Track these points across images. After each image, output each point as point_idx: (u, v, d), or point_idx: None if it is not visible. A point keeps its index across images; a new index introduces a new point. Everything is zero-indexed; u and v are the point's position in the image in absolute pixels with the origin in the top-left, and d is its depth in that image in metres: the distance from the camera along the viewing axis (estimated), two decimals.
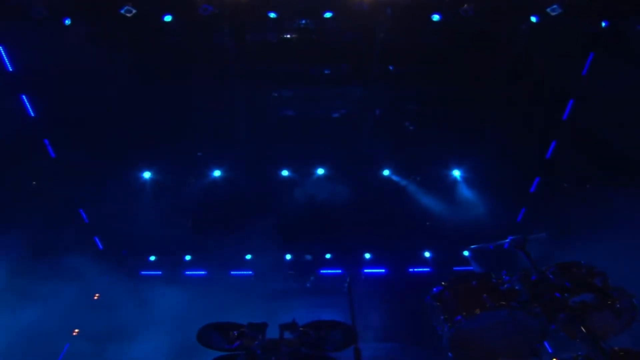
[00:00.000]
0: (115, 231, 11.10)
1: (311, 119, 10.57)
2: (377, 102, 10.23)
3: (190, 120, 10.06)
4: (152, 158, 10.79)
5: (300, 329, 4.42)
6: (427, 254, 12.46)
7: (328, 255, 12.49)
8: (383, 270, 12.53)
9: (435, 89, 9.90)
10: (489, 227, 10.73)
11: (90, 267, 10.75)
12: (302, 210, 11.29)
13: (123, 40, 8.35)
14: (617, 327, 3.64)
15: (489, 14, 8.18)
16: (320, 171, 11.33)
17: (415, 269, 12.44)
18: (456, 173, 11.30)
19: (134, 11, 7.72)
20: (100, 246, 11.54)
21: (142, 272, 11.82)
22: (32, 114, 9.17)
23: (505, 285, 3.77)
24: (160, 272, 11.88)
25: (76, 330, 10.44)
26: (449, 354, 3.90)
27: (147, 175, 10.98)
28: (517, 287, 3.74)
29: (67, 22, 7.89)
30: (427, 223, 11.95)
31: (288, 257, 12.34)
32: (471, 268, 12.06)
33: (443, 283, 4.02)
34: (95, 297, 11.16)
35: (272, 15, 8.15)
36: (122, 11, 7.70)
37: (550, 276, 3.65)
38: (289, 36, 8.99)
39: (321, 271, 12.43)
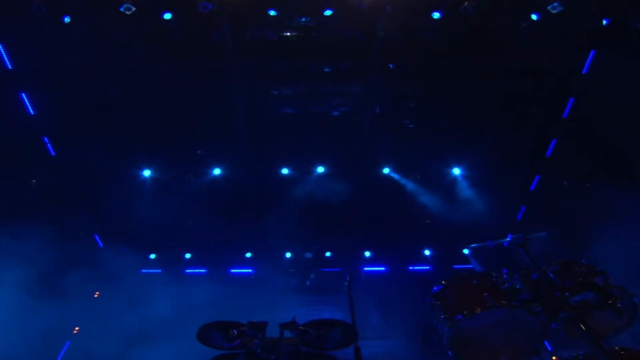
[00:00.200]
0: (115, 229, 11.09)
1: (311, 117, 10.54)
2: (377, 100, 10.20)
3: (190, 118, 10.03)
4: (152, 156, 10.76)
5: (300, 327, 4.41)
6: (427, 252, 12.48)
7: (328, 254, 12.50)
8: (383, 268, 12.54)
9: (435, 87, 9.86)
10: (489, 225, 10.72)
11: (90, 265, 10.79)
12: (302, 208, 11.27)
13: (123, 38, 8.31)
14: (618, 326, 3.63)
15: (490, 12, 8.14)
16: (320, 169, 11.31)
17: (415, 267, 12.46)
18: (456, 171, 11.29)
19: (133, 9, 7.68)
20: (100, 244, 11.53)
21: (143, 270, 11.81)
22: (32, 112, 9.14)
23: (506, 284, 3.76)
24: (160, 270, 11.88)
25: (76, 328, 10.44)
26: (449, 352, 3.89)
27: (147, 173, 10.96)
28: (517, 286, 3.73)
29: (67, 19, 7.85)
30: (427, 221, 11.96)
31: (288, 255, 12.35)
32: (471, 266, 12.14)
33: (443, 282, 4.01)
34: (96, 296, 11.17)
35: (272, 12, 8.11)
36: (122, 9, 7.66)
37: (551, 275, 3.64)
38: (289, 34, 8.96)
39: (321, 269, 12.43)
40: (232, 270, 12.33)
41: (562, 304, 3.45)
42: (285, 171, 11.37)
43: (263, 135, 10.51)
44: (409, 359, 9.55)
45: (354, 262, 12.34)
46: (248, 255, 12.33)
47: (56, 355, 9.87)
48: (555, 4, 7.83)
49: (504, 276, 3.85)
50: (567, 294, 3.49)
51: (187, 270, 12.10)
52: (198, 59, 8.98)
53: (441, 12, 8.13)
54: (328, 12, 8.16)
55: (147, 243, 11.75)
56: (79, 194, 10.41)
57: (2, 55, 8.34)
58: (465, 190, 11.32)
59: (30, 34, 8.10)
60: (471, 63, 9.16)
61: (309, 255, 12.50)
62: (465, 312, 3.66)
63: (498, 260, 10.09)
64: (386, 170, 11.42)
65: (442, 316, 3.82)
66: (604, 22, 8.16)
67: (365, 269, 12.46)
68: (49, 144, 9.71)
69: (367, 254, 12.44)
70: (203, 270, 12.20)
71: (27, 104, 9.09)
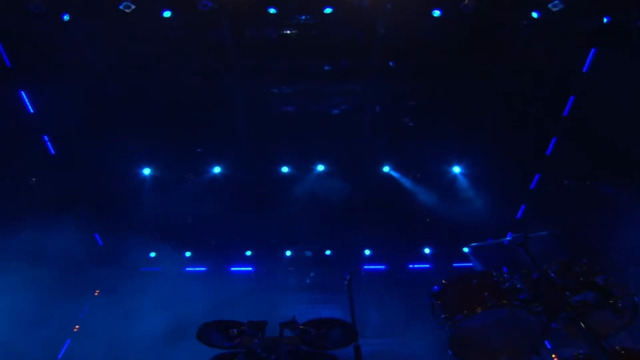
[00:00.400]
0: (115, 227, 11.08)
1: (311, 115, 10.52)
2: (377, 98, 10.18)
3: (189, 116, 10.01)
4: (152, 154, 10.75)
5: (300, 327, 4.41)
6: (427, 251, 12.48)
7: (328, 252, 12.50)
8: (383, 267, 12.54)
9: (436, 85, 9.84)
10: (488, 224, 10.74)
11: (90, 263, 10.80)
12: (302, 206, 11.27)
13: (122, 36, 8.29)
14: (618, 326, 3.62)
15: (490, 10, 8.12)
16: (320, 167, 11.31)
17: (415, 265, 12.46)
18: (456, 169, 11.28)
19: (133, 7, 7.67)
20: (101, 242, 11.53)
21: (143, 269, 11.81)
22: (31, 110, 9.13)
23: (507, 284, 3.75)
24: (160, 269, 11.88)
25: (77, 327, 10.45)
26: (450, 352, 3.89)
27: (147, 171, 10.96)
28: (518, 286, 3.72)
29: (66, 17, 7.84)
30: (427, 219, 11.96)
31: (288, 253, 12.36)
32: (471, 264, 12.14)
33: (444, 281, 4.00)
34: (96, 294, 11.18)
35: (272, 10, 8.09)
36: (121, 7, 7.65)
37: (552, 274, 3.64)
38: (288, 32, 8.94)
39: (321, 267, 12.43)
40: (232, 269, 12.33)
41: (563, 304, 3.45)
42: (285, 169, 11.36)
43: (263, 134, 10.50)
44: (409, 358, 9.54)
45: (354, 261, 12.34)
46: (248, 253, 12.33)
47: (56, 354, 9.87)
48: (556, 1, 7.82)
49: (505, 275, 3.85)
50: (567, 293, 3.48)
51: (187, 269, 12.10)
52: (198, 57, 8.94)
53: (441, 10, 8.12)
54: (328, 11, 8.14)
55: (147, 241, 11.74)
56: (78, 192, 10.39)
57: (2, 53, 8.32)
58: (465, 189, 11.31)
59: (29, 32, 8.08)
60: (471, 61, 9.13)
61: (309, 253, 12.50)
62: (465, 311, 3.66)
63: (498, 259, 10.12)
64: (386, 169, 11.41)
65: (443, 315, 3.81)
66: (605, 20, 8.14)
67: (365, 267, 12.46)
68: (48, 143, 9.69)
69: (367, 252, 12.43)
70: (203, 269, 12.20)
71: (27, 102, 9.07)
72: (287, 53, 9.09)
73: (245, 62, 9.09)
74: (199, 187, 11.17)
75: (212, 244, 12.08)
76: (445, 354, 4.00)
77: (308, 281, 12.25)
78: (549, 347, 6.80)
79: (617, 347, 3.36)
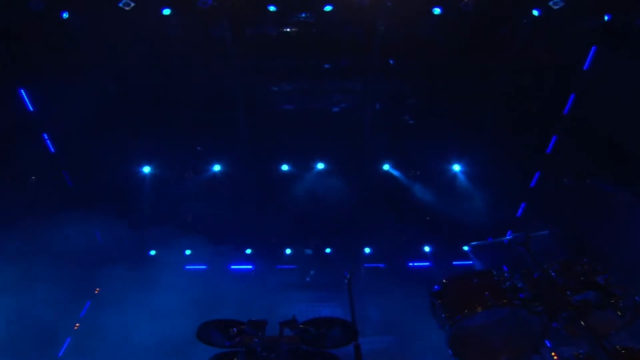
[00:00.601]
0: (116, 225, 11.08)
1: (311, 113, 10.51)
2: (377, 96, 10.17)
3: (189, 114, 10.00)
4: (152, 152, 10.75)
5: (300, 326, 4.41)
6: (426, 249, 12.48)
7: (328, 250, 12.51)
8: (383, 265, 12.54)
9: (436, 83, 9.83)
10: (488, 222, 10.74)
11: (90, 261, 10.80)
12: (302, 204, 11.28)
13: (121, 34, 8.27)
14: (619, 325, 3.61)
15: (490, 8, 8.10)
16: (320, 166, 11.30)
17: (415, 264, 12.46)
18: (456, 167, 11.27)
19: (132, 4, 7.65)
20: (101, 240, 11.52)
21: (143, 267, 11.80)
22: (31, 109, 9.11)
23: (507, 283, 3.74)
24: (160, 267, 11.86)
25: (77, 325, 10.46)
26: (450, 351, 3.88)
27: (146, 169, 10.95)
28: (519, 285, 3.71)
29: (65, 15, 7.81)
30: (427, 218, 11.95)
31: (288, 251, 12.36)
32: (471, 262, 12.14)
33: (444, 280, 3.99)
34: (96, 292, 11.19)
35: (272, 8, 8.08)
36: (121, 4, 7.63)
37: (553, 274, 3.63)
38: (288, 30, 8.91)
39: (321, 265, 12.44)
40: (232, 267, 12.33)
41: (564, 303, 3.44)
42: (285, 167, 11.35)
43: (263, 132, 10.49)
44: (408, 356, 9.55)
45: (354, 259, 12.34)
46: (248, 251, 12.34)
47: (57, 351, 9.88)
48: None
49: (505, 275, 3.83)
50: (568, 293, 3.48)
51: (187, 267, 12.11)
52: (197, 55, 8.92)
53: (442, 8, 8.11)
54: (328, 8, 8.13)
55: (147, 240, 11.75)
56: (78, 190, 10.39)
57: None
58: (465, 187, 11.30)
59: (28, 30, 8.05)
60: (472, 59, 9.12)
61: (309, 251, 12.51)
62: (466, 311, 3.64)
63: (498, 257, 10.12)
64: (386, 167, 11.40)
65: (443, 315, 3.80)
66: (606, 18, 8.11)
67: (365, 265, 12.46)
68: (48, 141, 9.68)
69: (367, 250, 12.44)
70: (203, 267, 12.20)
71: (26, 100, 9.05)
72: (287, 51, 9.07)
73: (245, 60, 9.07)
74: (199, 185, 11.17)
75: (212, 242, 12.06)
76: (445, 353, 3.99)
77: (308, 279, 12.26)
78: (548, 345, 6.81)
79: (617, 347, 3.35)
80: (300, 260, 12.47)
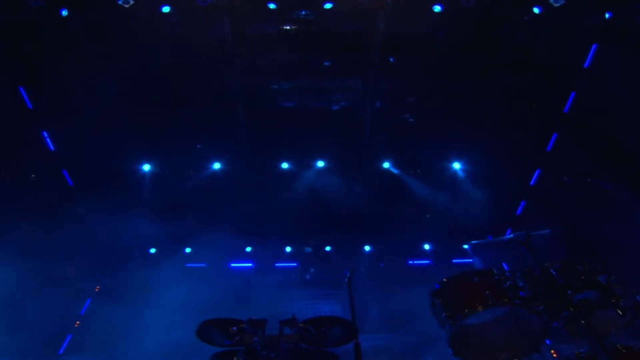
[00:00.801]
0: (115, 224, 11.07)
1: (311, 111, 10.50)
2: (377, 94, 10.15)
3: (189, 112, 9.98)
4: (152, 150, 10.74)
5: (300, 325, 4.40)
6: (426, 247, 12.48)
7: (328, 248, 12.51)
8: (382, 263, 12.55)
9: (436, 81, 9.80)
10: (488, 220, 10.73)
11: (90, 258, 10.81)
12: (302, 202, 11.27)
13: (121, 31, 8.25)
14: (620, 324, 3.60)
15: (491, 5, 8.08)
16: (320, 163, 11.29)
17: (415, 261, 12.47)
18: (456, 165, 11.26)
19: (131, 2, 7.62)
20: (100, 238, 11.49)
21: (143, 265, 11.80)
22: (31, 107, 9.08)
23: (508, 282, 3.72)
24: (160, 265, 11.87)
25: (77, 322, 10.48)
26: (450, 351, 3.87)
27: (146, 167, 10.94)
28: (519, 284, 3.70)
29: (64, 13, 7.79)
30: (427, 215, 11.95)
31: (288, 249, 12.37)
32: (471, 260, 12.13)
33: (444, 279, 3.97)
34: (96, 290, 11.20)
35: (272, 6, 8.06)
36: (120, 2, 7.60)
37: (554, 273, 3.62)
38: (288, 27, 8.89)
39: (321, 263, 12.45)
40: (232, 265, 12.34)
41: (565, 303, 3.43)
42: (285, 165, 11.35)
43: (263, 130, 10.48)
44: (408, 353, 9.57)
45: (354, 257, 12.35)
46: (248, 249, 12.34)
47: (57, 349, 9.90)
48: None
49: (506, 274, 3.82)
50: (569, 292, 3.47)
51: (187, 265, 12.11)
52: (197, 52, 8.90)
53: (442, 5, 8.08)
54: (328, 6, 8.12)
55: (148, 238, 11.74)
56: (78, 188, 10.38)
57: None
58: (465, 185, 11.30)
59: (27, 27, 8.03)
60: (472, 56, 9.09)
61: (308, 249, 12.52)
62: (466, 310, 3.63)
63: (498, 256, 10.12)
64: (386, 165, 11.40)
65: (443, 314, 3.78)
66: (607, 15, 8.09)
67: (365, 263, 12.46)
68: (48, 139, 9.66)
69: (367, 248, 12.44)
70: (203, 265, 12.21)
71: (26, 98, 9.03)
72: (287, 49, 9.04)
73: (245, 58, 9.06)
74: (199, 183, 11.16)
75: (212, 239, 12.05)
76: (445, 349, 3.99)
77: (308, 277, 12.28)
78: (547, 343, 6.81)
79: (618, 346, 3.35)
80: (300, 258, 12.48)
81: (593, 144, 9.25)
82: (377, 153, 11.14)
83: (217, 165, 11.11)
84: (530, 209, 11.32)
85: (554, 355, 6.18)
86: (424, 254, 12.47)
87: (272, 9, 8.11)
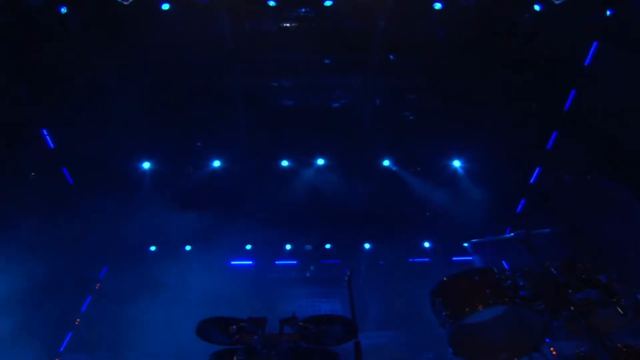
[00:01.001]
0: (116, 221, 11.07)
1: (311, 109, 10.48)
2: (377, 92, 10.13)
3: (189, 110, 9.96)
4: (152, 148, 10.72)
5: (300, 323, 4.39)
6: (426, 244, 12.48)
7: (328, 245, 12.50)
8: (382, 261, 12.54)
9: (436, 78, 9.79)
10: (488, 218, 10.71)
11: (91, 256, 10.81)
12: (302, 200, 11.25)
13: (120, 29, 8.22)
14: (620, 323, 3.59)
15: (491, 3, 8.06)
16: (320, 161, 11.28)
17: (415, 259, 12.46)
18: (456, 163, 11.25)
19: None
20: (100, 236, 11.50)
21: (143, 263, 11.80)
22: (30, 104, 9.06)
23: (508, 281, 3.71)
24: (160, 262, 11.86)
25: (78, 320, 10.48)
26: (450, 350, 3.87)
27: (146, 165, 10.92)
28: (520, 283, 3.69)
29: (63, 10, 7.77)
30: (427, 213, 11.94)
31: (288, 247, 12.36)
32: (471, 258, 12.13)
33: (445, 278, 3.96)
34: (97, 287, 11.20)
35: (272, 3, 8.04)
36: None
37: (554, 272, 3.61)
38: (288, 25, 8.86)
39: (321, 261, 12.44)
40: (233, 262, 12.33)
41: (566, 302, 3.42)
42: (285, 163, 11.33)
43: (263, 127, 10.46)
44: (408, 350, 9.58)
45: (354, 254, 12.34)
46: (248, 247, 12.33)
47: (58, 347, 9.91)
48: None
49: (507, 273, 3.81)
50: (570, 291, 3.46)
51: (187, 263, 12.07)
52: (197, 50, 8.87)
53: (442, 3, 8.06)
54: (328, 3, 8.10)
55: (148, 235, 11.74)
56: (78, 186, 10.37)
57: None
58: (465, 183, 11.29)
59: (26, 25, 8.00)
60: (472, 54, 9.07)
61: (308, 247, 12.51)
62: (467, 309, 3.63)
63: (498, 254, 10.12)
64: (386, 163, 11.38)
65: (444, 313, 3.77)
66: (608, 13, 8.06)
67: (365, 260, 12.46)
68: (47, 137, 9.64)
69: (367, 245, 12.44)
70: (203, 262, 12.18)
71: (25, 95, 9.00)
72: (286, 46, 9.02)
73: (245, 55, 9.02)
74: (198, 180, 11.15)
75: (212, 237, 12.05)
76: (445, 347, 3.98)
77: (308, 275, 12.27)
78: (547, 341, 6.82)
79: (618, 345, 3.35)
80: (300, 255, 12.47)
81: (593, 142, 9.24)
82: (377, 151, 11.12)
83: (216, 163, 11.09)
84: (530, 207, 11.31)
85: (554, 353, 6.17)
86: (424, 252, 12.46)
87: (272, 7, 8.08)
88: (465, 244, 11.93)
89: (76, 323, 10.44)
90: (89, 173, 10.21)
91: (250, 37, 8.82)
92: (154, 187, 10.93)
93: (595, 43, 8.59)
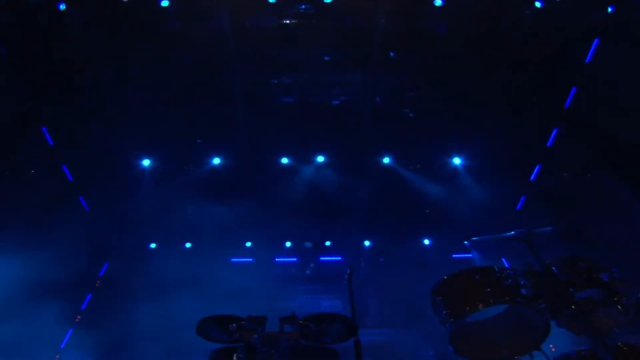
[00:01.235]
0: (116, 219, 11.07)
1: (311, 106, 10.46)
2: (377, 89, 10.12)
3: (189, 107, 9.94)
4: (152, 145, 10.70)
5: (300, 322, 4.39)
6: (426, 242, 12.47)
7: (328, 243, 12.50)
8: (382, 258, 12.54)
9: (436, 76, 9.76)
10: (488, 215, 10.70)
11: (91, 253, 10.80)
12: (301, 197, 11.25)
13: (119, 25, 8.19)
14: (621, 322, 3.59)
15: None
16: (320, 158, 11.27)
17: (416, 257, 12.43)
18: (457, 161, 11.24)
19: None
20: (100, 233, 11.50)
21: (144, 260, 11.79)
22: (29, 102, 9.04)
23: (509, 280, 3.70)
24: (160, 260, 11.85)
25: (78, 317, 10.49)
26: (450, 348, 3.87)
27: (146, 162, 10.91)
28: (521, 282, 3.68)
29: (62, 7, 7.74)
30: (427, 210, 11.93)
31: (288, 244, 12.35)
32: (470, 256, 12.13)
33: (445, 277, 3.95)
34: (97, 285, 11.20)
35: (272, 0, 8.00)
36: None
37: (555, 270, 3.60)
38: (288, 22, 8.84)
39: (321, 258, 12.44)
40: (233, 260, 12.33)
41: (567, 301, 3.42)
42: (285, 160, 11.33)
43: (263, 125, 10.45)
44: (408, 348, 9.58)
45: (354, 251, 12.34)
46: (248, 244, 12.33)
47: (59, 343, 9.92)
48: None
49: (508, 271, 3.80)
50: (571, 290, 3.45)
51: (187, 261, 12.07)
52: (196, 47, 8.84)
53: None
54: (328, 0, 8.04)
55: (148, 233, 11.74)
56: (77, 183, 10.36)
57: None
58: (465, 180, 11.28)
59: (25, 21, 7.97)
60: (473, 51, 9.05)
61: (308, 244, 12.51)
62: (467, 308, 3.61)
63: (498, 251, 10.13)
64: (386, 160, 11.37)
65: (444, 312, 3.76)
66: (609, 9, 8.03)
67: (365, 258, 12.46)
68: (47, 134, 9.63)
69: (367, 243, 12.44)
70: (203, 260, 12.17)
71: (25, 93, 8.98)
72: (286, 43, 9.00)
73: (245, 52, 9.00)
74: (198, 177, 11.14)
75: (212, 235, 12.05)
76: (445, 344, 3.98)
77: (308, 272, 12.26)
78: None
79: (619, 344, 3.35)
80: (300, 252, 12.47)
81: (593, 139, 9.23)
82: (377, 148, 11.11)
83: (217, 160, 11.08)
84: (531, 205, 11.31)
85: (553, 350, 6.18)
86: (424, 249, 12.45)
87: (272, 3, 8.06)
88: (465, 242, 11.92)
89: (77, 320, 10.44)
90: (89, 170, 10.19)
91: (250, 34, 8.79)
92: (154, 184, 10.92)
93: (596, 40, 8.55)
